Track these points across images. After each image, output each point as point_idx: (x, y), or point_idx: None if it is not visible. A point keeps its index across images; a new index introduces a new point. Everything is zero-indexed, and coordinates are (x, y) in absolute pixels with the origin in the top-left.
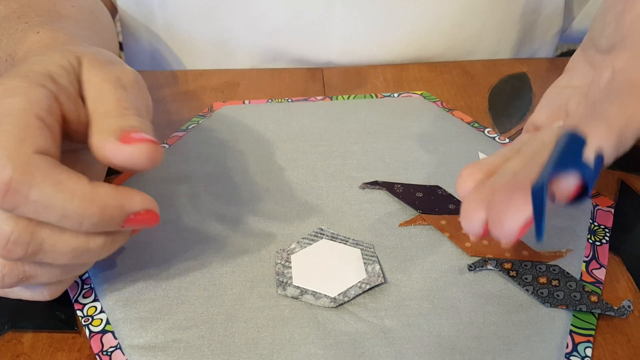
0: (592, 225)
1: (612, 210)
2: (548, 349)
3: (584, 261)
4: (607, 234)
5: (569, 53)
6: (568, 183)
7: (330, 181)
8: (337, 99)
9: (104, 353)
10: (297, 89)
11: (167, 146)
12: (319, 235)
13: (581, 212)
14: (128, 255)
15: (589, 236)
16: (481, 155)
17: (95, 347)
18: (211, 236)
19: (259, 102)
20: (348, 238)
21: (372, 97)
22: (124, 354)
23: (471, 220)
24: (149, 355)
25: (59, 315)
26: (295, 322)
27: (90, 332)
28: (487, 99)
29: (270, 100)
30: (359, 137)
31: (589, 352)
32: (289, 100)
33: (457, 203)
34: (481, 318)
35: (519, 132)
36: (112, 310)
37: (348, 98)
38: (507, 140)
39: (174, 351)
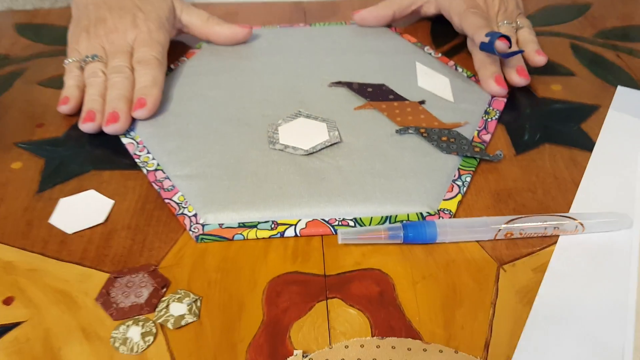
0: (488, 109)
1: (505, 100)
2: (442, 176)
3: (477, 130)
4: (497, 114)
5: None
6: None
7: (307, 81)
8: (315, 25)
9: (158, 181)
10: (284, 17)
11: (186, 59)
12: (298, 115)
13: (482, 100)
14: (172, 123)
15: (484, 115)
16: (418, 66)
17: (151, 178)
18: (226, 114)
19: (255, 27)
20: (318, 116)
21: (342, 24)
22: (170, 181)
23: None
24: (188, 180)
25: (125, 161)
26: (281, 162)
27: (147, 170)
28: (430, 25)
29: (263, 26)
30: (330, 52)
31: (468, 179)
32: (278, 26)
33: (396, 95)
34: (401, 160)
35: (451, 47)
36: (160, 157)
37: (324, 25)
38: (440, 55)
39: (203, 178)
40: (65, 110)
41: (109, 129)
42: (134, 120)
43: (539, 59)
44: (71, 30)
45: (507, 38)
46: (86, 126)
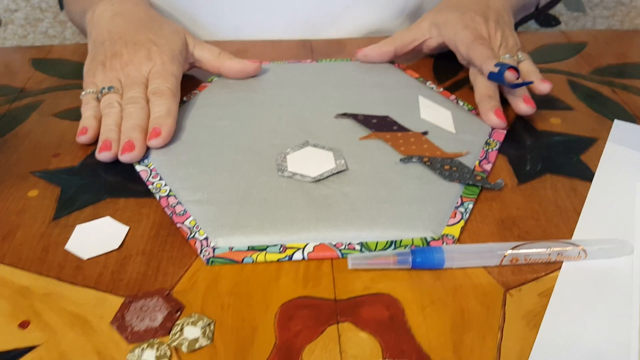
0: (489, 140)
1: (505, 132)
2: (445, 203)
3: (478, 159)
4: (498, 145)
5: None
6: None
7: (314, 113)
8: (322, 61)
9: (170, 206)
10: (291, 55)
11: (198, 92)
12: (306, 144)
13: (482, 132)
14: (184, 151)
15: (485, 146)
16: (421, 99)
17: (164, 203)
18: (236, 143)
19: (264, 63)
20: (325, 146)
21: (348, 60)
22: (182, 206)
23: None
24: (199, 205)
25: (139, 188)
26: (290, 188)
27: (160, 196)
28: (432, 61)
29: (272, 62)
30: (336, 86)
31: (470, 206)
32: (286, 62)
33: (400, 126)
34: (405, 187)
35: (453, 83)
36: (172, 183)
37: (330, 61)
38: (441, 89)
39: (214, 203)
40: (83, 140)
41: (125, 158)
42: (147, 149)
43: (545, 86)
44: (87, 64)
45: (516, 70)
46: (103, 155)
